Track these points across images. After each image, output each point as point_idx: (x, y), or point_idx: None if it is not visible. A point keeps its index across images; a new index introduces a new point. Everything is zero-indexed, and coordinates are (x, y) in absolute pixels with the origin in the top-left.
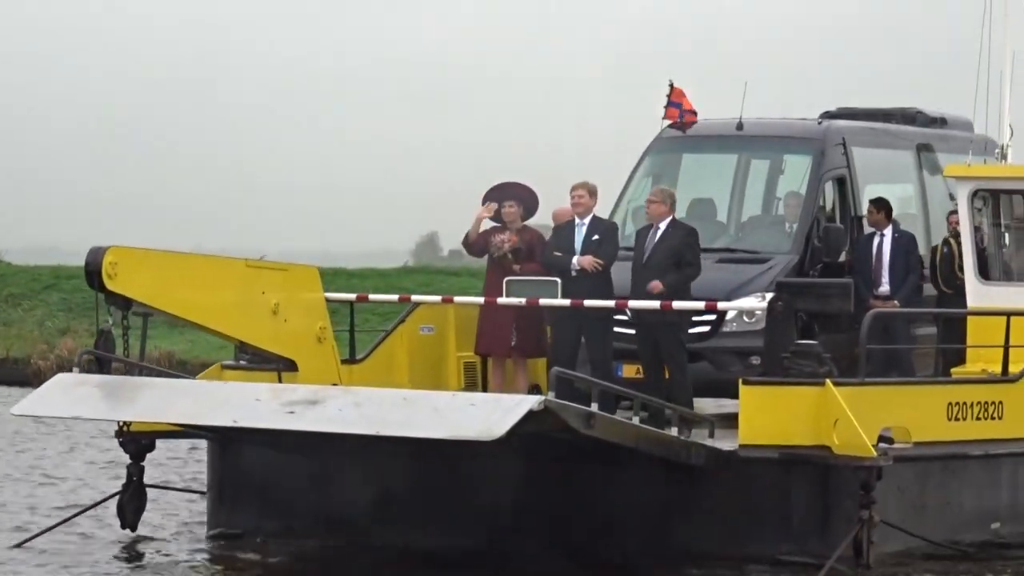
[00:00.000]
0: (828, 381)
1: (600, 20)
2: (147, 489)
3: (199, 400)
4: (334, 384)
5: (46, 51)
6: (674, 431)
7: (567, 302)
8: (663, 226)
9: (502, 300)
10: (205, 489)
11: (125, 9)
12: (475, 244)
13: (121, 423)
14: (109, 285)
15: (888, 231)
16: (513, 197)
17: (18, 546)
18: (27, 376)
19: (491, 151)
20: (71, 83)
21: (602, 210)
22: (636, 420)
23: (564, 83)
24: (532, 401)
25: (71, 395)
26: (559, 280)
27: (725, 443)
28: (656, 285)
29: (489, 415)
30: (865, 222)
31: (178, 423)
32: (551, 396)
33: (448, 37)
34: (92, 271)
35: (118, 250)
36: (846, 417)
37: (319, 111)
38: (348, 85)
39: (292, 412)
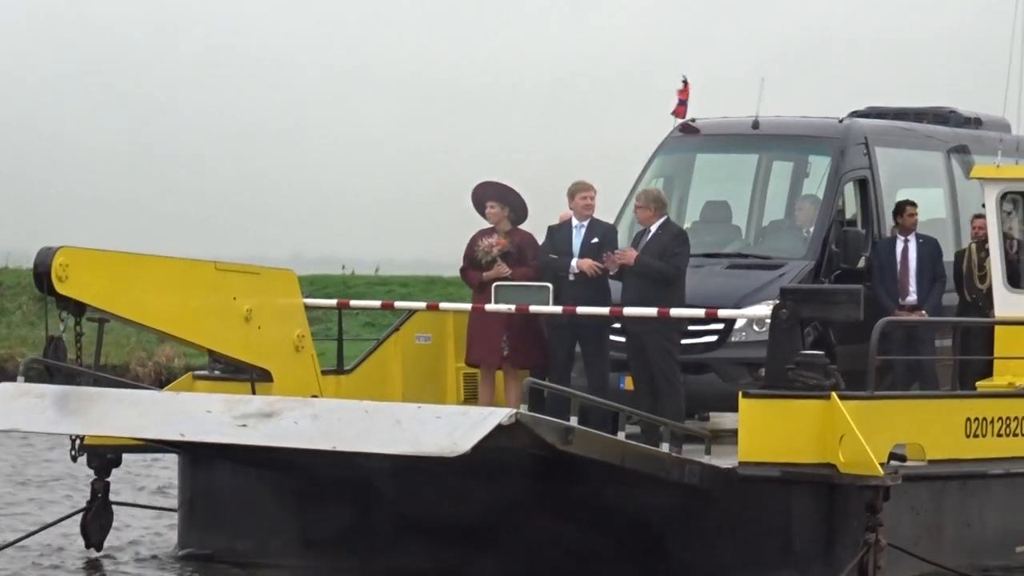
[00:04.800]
0: (834, 394)
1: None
2: (113, 506)
3: (147, 412)
4: (314, 396)
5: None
6: (665, 447)
7: (559, 309)
8: (653, 229)
9: (490, 307)
10: (175, 506)
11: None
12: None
13: (74, 437)
14: (60, 288)
15: (912, 236)
16: (496, 196)
17: None
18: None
19: (587, 161)
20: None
21: (608, 214)
22: (622, 435)
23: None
24: (501, 415)
25: (12, 406)
26: (550, 285)
27: (724, 460)
28: (627, 255)
29: (454, 429)
30: (888, 227)
31: (123, 436)
32: (524, 408)
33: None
34: (41, 272)
35: (69, 251)
36: (852, 433)
37: (426, 117)
38: (457, 95)
39: (244, 425)
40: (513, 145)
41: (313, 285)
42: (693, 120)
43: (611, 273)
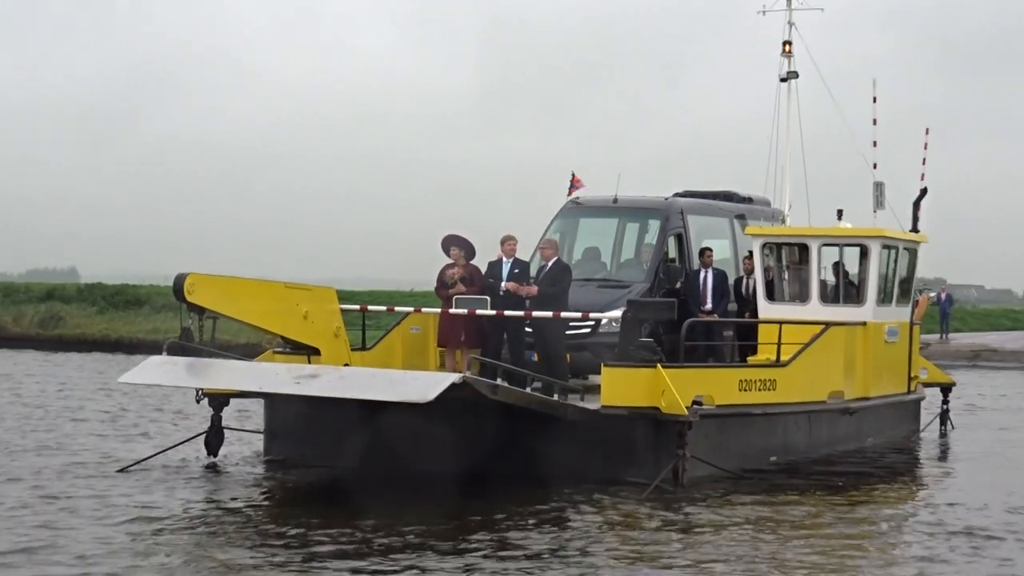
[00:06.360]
0: (659, 365)
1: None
2: (224, 430)
3: (239, 374)
4: (346, 365)
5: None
6: (557, 397)
7: (494, 312)
8: (550, 264)
9: (453, 311)
10: (262, 430)
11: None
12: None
13: (197, 389)
14: (188, 298)
15: (710, 269)
16: (456, 244)
17: (123, 471)
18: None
19: (516, 221)
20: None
21: (525, 254)
22: (530, 390)
23: None
24: (454, 377)
25: (159, 370)
26: (488, 298)
27: (593, 404)
28: (531, 290)
29: (424, 385)
30: (697, 263)
31: (227, 388)
32: (469, 374)
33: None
34: (177, 288)
35: (194, 275)
36: (669, 389)
37: (435, 194)
38: (457, 181)
39: (298, 383)
40: (480, 214)
41: (371, 295)
42: (578, 198)
43: (524, 297)
